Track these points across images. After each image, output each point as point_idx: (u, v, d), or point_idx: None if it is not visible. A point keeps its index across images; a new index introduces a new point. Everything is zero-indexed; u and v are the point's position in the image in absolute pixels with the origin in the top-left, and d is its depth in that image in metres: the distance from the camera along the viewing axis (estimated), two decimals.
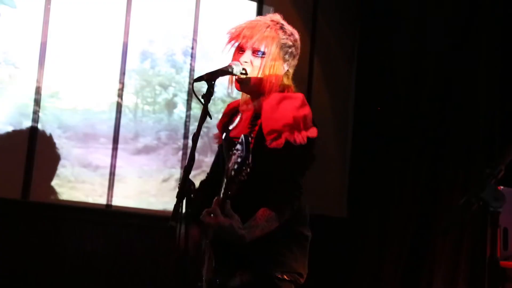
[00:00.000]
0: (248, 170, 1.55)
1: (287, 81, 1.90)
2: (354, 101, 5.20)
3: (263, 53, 1.82)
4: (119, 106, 4.45)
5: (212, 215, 1.63)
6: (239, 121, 1.92)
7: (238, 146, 1.58)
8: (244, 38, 1.82)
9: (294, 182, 1.73)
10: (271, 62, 1.82)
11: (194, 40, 4.67)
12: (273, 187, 1.70)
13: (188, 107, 4.62)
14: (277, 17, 1.91)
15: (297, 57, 1.93)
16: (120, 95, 4.46)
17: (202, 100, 1.69)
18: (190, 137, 1.80)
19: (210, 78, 1.71)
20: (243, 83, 1.85)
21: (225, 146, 1.93)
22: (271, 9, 4.71)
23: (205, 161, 4.55)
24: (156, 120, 4.58)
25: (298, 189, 1.73)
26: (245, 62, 1.83)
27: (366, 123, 4.98)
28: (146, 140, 4.58)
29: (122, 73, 4.48)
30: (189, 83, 4.64)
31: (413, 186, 4.47)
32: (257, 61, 1.83)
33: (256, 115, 1.84)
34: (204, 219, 1.65)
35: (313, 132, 1.76)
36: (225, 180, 1.64)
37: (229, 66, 1.82)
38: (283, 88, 1.89)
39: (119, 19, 4.50)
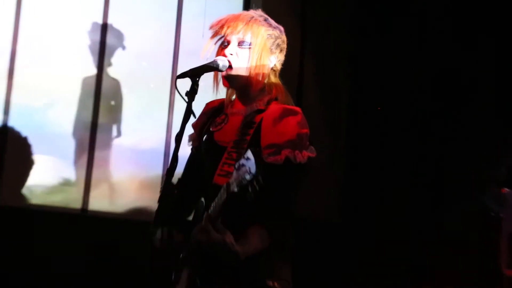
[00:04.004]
0: (258, 188, 1.51)
1: (274, 79, 1.92)
2: (348, 101, 5.21)
3: (250, 44, 1.85)
4: (96, 108, 4.46)
5: (204, 232, 1.62)
6: (226, 125, 1.91)
7: (244, 161, 1.54)
8: (229, 28, 1.85)
9: (288, 199, 1.75)
10: (258, 52, 1.84)
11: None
12: (266, 203, 1.69)
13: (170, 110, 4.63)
14: (260, 11, 1.95)
15: (284, 52, 1.95)
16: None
17: (186, 98, 1.70)
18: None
19: (194, 74, 1.73)
20: (231, 78, 1.87)
21: (207, 149, 1.92)
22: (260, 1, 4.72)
23: None
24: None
25: (292, 207, 1.76)
26: (231, 54, 1.85)
27: (361, 123, 4.99)
28: (126, 141, 4.58)
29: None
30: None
31: (411, 189, 4.51)
32: (243, 53, 1.85)
33: (248, 123, 1.83)
34: (196, 237, 1.64)
35: (312, 151, 1.78)
36: (223, 195, 1.60)
37: (214, 61, 1.84)
38: (270, 86, 1.90)
39: (95, 26, 4.55)
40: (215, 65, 1.82)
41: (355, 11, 5.17)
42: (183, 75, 1.72)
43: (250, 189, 1.50)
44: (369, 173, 4.78)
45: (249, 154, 1.53)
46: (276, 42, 1.90)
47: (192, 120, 1.76)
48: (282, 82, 1.94)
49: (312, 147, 1.79)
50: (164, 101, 4.67)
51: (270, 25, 1.91)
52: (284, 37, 1.95)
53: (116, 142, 4.57)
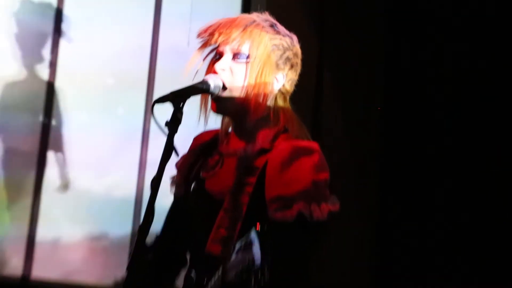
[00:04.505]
0: (263, 283, 1.48)
1: (282, 104, 1.90)
2: (381, 130, 5.25)
3: (247, 57, 1.83)
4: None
5: None
6: (221, 169, 1.88)
7: (246, 243, 1.49)
8: (221, 35, 1.83)
9: (303, 269, 1.74)
10: (259, 67, 1.82)
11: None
12: (274, 274, 1.62)
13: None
14: (267, 15, 1.92)
15: (298, 68, 1.93)
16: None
17: (166, 130, 1.68)
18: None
19: (177, 98, 1.70)
20: (222, 101, 1.85)
21: (197, 203, 1.90)
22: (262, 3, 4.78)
23: None
24: None
25: (307, 279, 1.73)
26: (222, 70, 1.84)
27: (399, 160, 5.06)
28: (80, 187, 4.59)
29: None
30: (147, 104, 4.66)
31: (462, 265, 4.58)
32: (239, 68, 1.83)
33: (249, 168, 1.80)
34: None
35: (334, 203, 1.76)
36: (218, 281, 1.60)
37: (204, 81, 1.81)
38: (276, 114, 1.87)
39: None
40: (204, 86, 1.79)
41: (385, 14, 5.30)
42: (162, 100, 1.70)
43: (253, 281, 1.48)
44: (411, 228, 4.81)
45: (252, 236, 1.48)
46: (285, 55, 1.87)
47: (174, 159, 1.74)
48: (293, 108, 1.92)
49: (334, 197, 1.78)
50: (136, 133, 4.68)
51: (278, 32, 1.88)
52: (297, 49, 1.92)
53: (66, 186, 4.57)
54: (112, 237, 4.63)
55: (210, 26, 1.87)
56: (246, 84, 1.82)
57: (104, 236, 4.62)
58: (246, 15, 1.90)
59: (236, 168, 1.82)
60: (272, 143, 1.83)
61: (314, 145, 1.80)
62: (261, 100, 1.83)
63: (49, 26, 4.65)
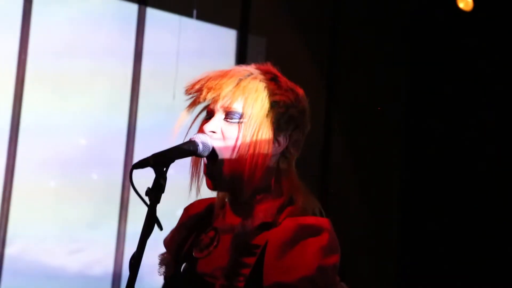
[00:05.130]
0: None
1: (286, 168, 1.83)
2: (400, 200, 5.32)
3: (241, 116, 1.79)
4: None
5: None
6: (216, 247, 1.83)
7: None
8: (210, 91, 1.79)
9: None
10: (254, 129, 1.77)
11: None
12: None
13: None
14: (269, 66, 1.86)
15: (305, 128, 1.86)
16: None
17: (147, 199, 1.66)
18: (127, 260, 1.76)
19: (160, 162, 1.67)
20: (216, 177, 1.79)
21: (187, 285, 1.83)
22: (263, 41, 4.81)
23: None
24: None
25: None
26: (212, 132, 1.79)
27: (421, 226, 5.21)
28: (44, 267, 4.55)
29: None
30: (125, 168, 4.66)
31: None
32: (231, 129, 1.78)
33: (248, 247, 1.75)
34: None
35: None
36: None
37: (191, 141, 1.76)
38: (278, 183, 1.82)
39: None
40: (192, 148, 1.73)
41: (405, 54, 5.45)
42: (142, 164, 1.65)
43: None
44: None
45: None
46: (288, 113, 1.80)
47: (159, 234, 1.71)
48: (300, 174, 1.85)
49: (343, 284, 1.74)
50: (113, 202, 4.67)
51: (279, 86, 1.82)
52: (303, 106, 1.85)
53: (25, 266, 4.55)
54: None
55: (198, 81, 1.81)
56: (238, 149, 1.76)
57: None
58: (241, 67, 1.85)
59: (231, 247, 1.77)
60: (276, 216, 1.77)
61: (324, 222, 1.74)
62: (257, 167, 1.76)
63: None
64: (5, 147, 4.60)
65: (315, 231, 1.72)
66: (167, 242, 1.97)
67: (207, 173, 1.81)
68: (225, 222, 1.86)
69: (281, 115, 1.82)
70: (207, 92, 1.80)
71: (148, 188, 1.67)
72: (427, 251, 5.58)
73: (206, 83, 1.81)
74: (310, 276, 1.66)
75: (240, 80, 1.81)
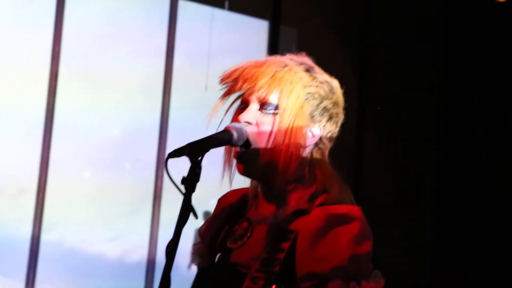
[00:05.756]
0: None
1: (320, 161, 1.84)
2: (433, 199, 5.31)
3: (276, 107, 1.79)
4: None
5: None
6: (249, 238, 1.83)
7: None
8: (245, 82, 1.80)
9: None
10: (289, 120, 1.78)
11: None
12: None
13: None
14: (303, 57, 1.86)
15: (338, 119, 1.87)
16: None
17: (182, 188, 1.65)
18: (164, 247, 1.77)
19: (195, 151, 1.67)
20: (248, 162, 1.80)
21: (220, 274, 1.84)
22: (295, 32, 4.80)
23: None
24: None
25: None
26: (248, 123, 1.79)
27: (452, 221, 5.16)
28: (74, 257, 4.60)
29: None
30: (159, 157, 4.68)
31: None
32: (266, 120, 1.79)
33: (282, 233, 1.76)
34: None
35: (378, 280, 1.70)
36: None
37: (226, 131, 1.76)
38: (313, 172, 1.82)
39: None
40: (227, 137, 1.73)
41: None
42: (177, 153, 1.66)
43: None
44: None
45: None
46: (322, 105, 1.82)
47: (194, 223, 1.71)
48: (334, 165, 1.83)
49: (377, 272, 1.72)
50: (147, 192, 4.70)
51: (314, 78, 1.82)
52: (337, 98, 1.86)
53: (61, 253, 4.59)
54: None
55: (234, 71, 1.81)
56: (273, 140, 1.76)
57: None
58: (276, 58, 1.84)
59: (265, 237, 1.78)
60: (309, 204, 1.77)
61: (355, 210, 1.74)
62: (291, 158, 1.77)
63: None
64: (40, 139, 4.66)
65: (346, 219, 1.72)
66: (202, 232, 1.97)
67: (238, 158, 1.80)
68: (258, 213, 1.86)
69: (316, 107, 1.83)
70: (243, 83, 1.80)
71: (184, 177, 1.67)
72: (460, 247, 5.55)
73: (242, 73, 1.81)
74: (343, 265, 1.67)
75: (276, 71, 1.80)
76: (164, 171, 1.75)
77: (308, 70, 1.84)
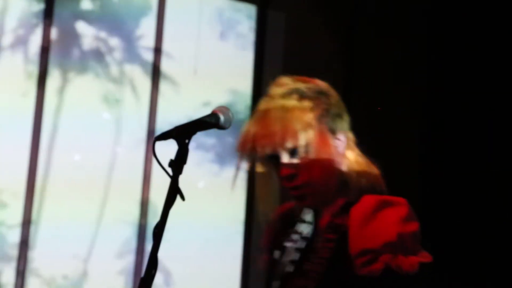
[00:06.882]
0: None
1: (351, 151, 1.98)
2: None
3: (302, 147, 1.90)
4: None
5: None
6: (307, 235, 2.00)
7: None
8: (264, 147, 1.90)
9: None
10: (317, 151, 1.90)
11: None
12: None
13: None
14: (283, 81, 1.96)
15: (343, 108, 1.98)
16: None
17: (170, 171, 1.68)
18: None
19: (183, 134, 1.73)
20: (304, 199, 1.94)
21: (282, 270, 1.99)
22: (283, 17, 4.79)
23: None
24: None
25: None
26: (291, 172, 1.91)
27: None
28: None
29: None
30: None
31: None
32: (301, 163, 1.90)
33: (332, 226, 1.91)
34: None
35: (425, 256, 1.83)
36: None
37: (214, 114, 1.81)
38: (351, 173, 1.96)
39: None
40: (213, 121, 1.79)
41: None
42: (165, 136, 1.72)
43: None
44: None
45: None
46: (331, 113, 1.94)
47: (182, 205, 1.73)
48: (362, 150, 2.00)
49: (425, 252, 1.84)
50: (136, 172, 4.70)
51: (309, 97, 1.92)
52: (333, 95, 1.97)
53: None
54: None
55: (245, 141, 1.92)
56: (315, 173, 1.90)
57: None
58: (270, 103, 1.93)
59: (320, 231, 1.93)
60: (358, 197, 1.91)
61: (402, 199, 1.88)
62: (333, 180, 1.93)
63: None
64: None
65: (394, 203, 1.87)
66: (265, 242, 2.13)
67: (298, 197, 1.95)
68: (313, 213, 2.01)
69: (329, 121, 1.94)
70: (263, 150, 1.90)
71: (171, 159, 1.70)
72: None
73: (257, 141, 1.91)
74: (392, 241, 1.80)
75: (281, 119, 1.89)
76: (152, 154, 1.76)
77: (300, 95, 1.94)
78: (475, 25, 5.53)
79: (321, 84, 1.98)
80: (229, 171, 4.35)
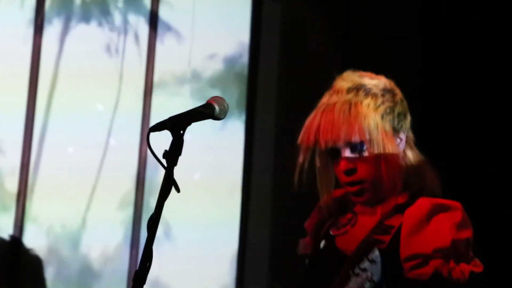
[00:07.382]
0: None
1: (410, 151, 1.99)
2: None
3: (364, 143, 1.91)
4: None
5: None
6: (353, 227, 1.99)
7: (367, 264, 1.68)
8: (327, 141, 1.91)
9: None
10: (381, 149, 1.91)
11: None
12: None
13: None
14: (349, 75, 1.97)
15: (406, 107, 2.00)
16: None
17: (164, 162, 1.67)
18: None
19: (177, 125, 1.70)
20: (361, 195, 1.95)
21: (327, 259, 1.98)
22: (279, 8, 4.77)
23: None
24: None
25: None
26: (350, 169, 1.92)
27: None
28: None
29: None
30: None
31: None
32: (363, 159, 1.92)
33: (383, 228, 1.90)
34: None
35: (477, 265, 1.84)
36: None
37: (209, 104, 1.78)
38: (409, 173, 1.97)
39: None
40: (208, 111, 1.76)
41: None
42: (159, 127, 1.70)
43: None
44: None
45: (375, 255, 1.67)
46: (395, 113, 1.95)
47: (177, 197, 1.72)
48: (419, 151, 2.02)
49: (477, 260, 1.85)
50: (131, 158, 4.69)
51: (375, 94, 1.94)
52: (398, 93, 1.99)
53: None
54: None
55: (309, 134, 1.94)
56: (377, 173, 1.92)
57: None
58: (335, 98, 1.94)
59: (370, 226, 1.93)
60: (411, 200, 1.92)
61: (457, 203, 1.89)
62: (395, 178, 1.94)
63: None
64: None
65: (448, 208, 1.87)
66: (308, 225, 2.13)
67: (357, 193, 1.97)
68: (364, 207, 2.01)
69: (393, 119, 1.96)
70: (326, 143, 1.92)
71: (166, 150, 1.69)
72: None
73: (321, 135, 1.93)
74: (445, 247, 1.80)
75: (346, 114, 1.90)
76: (147, 145, 1.75)
77: (366, 92, 1.95)
78: (475, 25, 5.48)
79: (387, 81, 1.99)
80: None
